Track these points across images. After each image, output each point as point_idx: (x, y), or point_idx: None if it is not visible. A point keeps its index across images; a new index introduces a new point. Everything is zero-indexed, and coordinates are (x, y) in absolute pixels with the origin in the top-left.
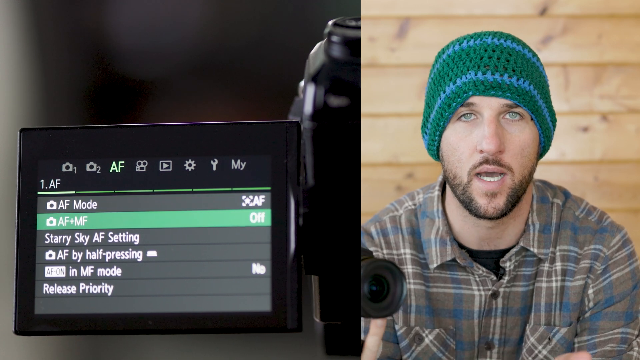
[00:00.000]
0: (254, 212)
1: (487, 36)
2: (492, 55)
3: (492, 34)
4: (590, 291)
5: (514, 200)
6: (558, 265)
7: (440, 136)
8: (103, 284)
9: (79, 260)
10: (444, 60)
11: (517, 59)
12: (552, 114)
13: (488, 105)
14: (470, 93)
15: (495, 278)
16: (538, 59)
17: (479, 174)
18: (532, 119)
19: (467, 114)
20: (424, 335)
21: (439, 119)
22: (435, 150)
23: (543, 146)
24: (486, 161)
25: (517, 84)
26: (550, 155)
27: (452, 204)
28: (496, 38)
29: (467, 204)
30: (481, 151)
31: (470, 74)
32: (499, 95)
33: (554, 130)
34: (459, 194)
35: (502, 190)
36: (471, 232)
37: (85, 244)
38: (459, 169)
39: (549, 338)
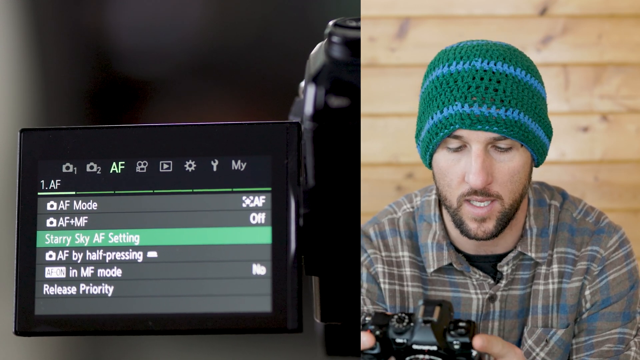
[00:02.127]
0: (254, 212)
1: (477, 58)
2: (480, 84)
3: (482, 55)
4: (587, 292)
5: (505, 223)
6: (555, 268)
7: (430, 156)
8: (103, 284)
9: (79, 261)
10: (432, 81)
11: (507, 86)
12: (548, 129)
13: (476, 139)
14: (457, 126)
15: (492, 282)
16: (533, 74)
17: (468, 200)
18: (522, 145)
19: (455, 147)
20: None
21: (428, 143)
22: (428, 164)
23: (537, 161)
24: (474, 192)
25: (506, 115)
26: (550, 155)
27: None
28: (486, 61)
29: (459, 226)
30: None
31: (457, 105)
32: (486, 130)
33: (550, 141)
34: (450, 214)
35: (492, 215)
36: (467, 238)
37: (86, 244)
38: (449, 194)
39: (546, 340)
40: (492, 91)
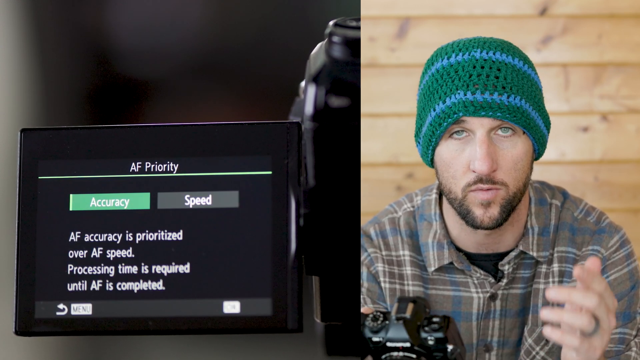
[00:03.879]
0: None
1: (476, 49)
2: (481, 72)
3: (480, 46)
4: None
5: (509, 210)
6: (555, 267)
7: (433, 150)
8: (103, 284)
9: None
10: (432, 74)
11: (507, 74)
12: (546, 119)
13: (479, 124)
14: (461, 114)
15: (493, 280)
16: (530, 66)
17: (473, 190)
18: (524, 133)
19: (458, 130)
20: None
21: (431, 135)
22: (429, 161)
23: (538, 152)
24: (480, 180)
25: (508, 101)
26: (550, 155)
27: (450, 208)
28: (485, 51)
29: (465, 216)
30: (474, 170)
31: (459, 93)
32: (489, 116)
33: (549, 133)
34: (455, 207)
35: (496, 200)
36: (468, 237)
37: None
38: (454, 185)
39: (547, 339)
40: (493, 78)
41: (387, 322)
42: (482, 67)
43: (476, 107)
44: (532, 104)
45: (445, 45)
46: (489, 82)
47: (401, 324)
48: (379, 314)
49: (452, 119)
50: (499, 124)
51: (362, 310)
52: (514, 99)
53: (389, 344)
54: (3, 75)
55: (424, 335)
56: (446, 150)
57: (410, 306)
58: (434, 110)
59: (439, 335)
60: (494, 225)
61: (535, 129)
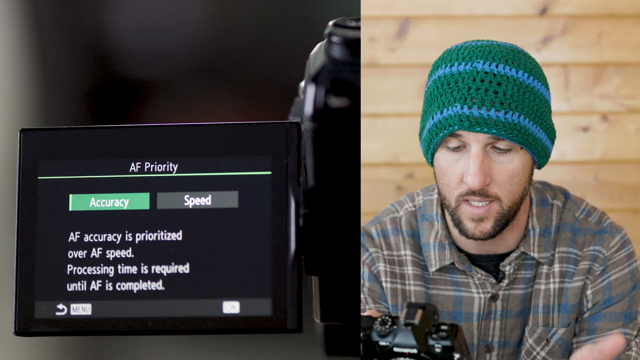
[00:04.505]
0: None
1: (479, 59)
2: (481, 86)
3: (484, 56)
4: (588, 292)
5: (503, 224)
6: (556, 267)
7: (432, 155)
8: (102, 285)
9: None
10: (435, 81)
11: (508, 89)
12: (550, 132)
13: (475, 139)
14: (456, 127)
15: (494, 281)
16: (536, 77)
17: (467, 200)
18: (522, 148)
19: (455, 146)
20: None
21: (429, 142)
22: (430, 163)
23: (539, 163)
24: (473, 192)
25: (505, 117)
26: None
27: None
28: (488, 62)
29: (457, 225)
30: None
31: (456, 106)
32: (484, 132)
33: (553, 144)
34: (449, 213)
35: (489, 216)
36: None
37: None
38: (448, 194)
39: (547, 339)
40: (492, 93)
41: (395, 326)
42: (482, 81)
43: (472, 122)
44: (533, 118)
45: (453, 48)
46: (487, 97)
47: (409, 329)
48: (387, 318)
49: (447, 131)
50: (495, 140)
51: (369, 313)
52: (512, 115)
53: (395, 349)
54: (3, 75)
55: (431, 342)
56: (443, 158)
57: (419, 312)
58: (432, 118)
59: (447, 343)
60: (486, 238)
61: (534, 143)
